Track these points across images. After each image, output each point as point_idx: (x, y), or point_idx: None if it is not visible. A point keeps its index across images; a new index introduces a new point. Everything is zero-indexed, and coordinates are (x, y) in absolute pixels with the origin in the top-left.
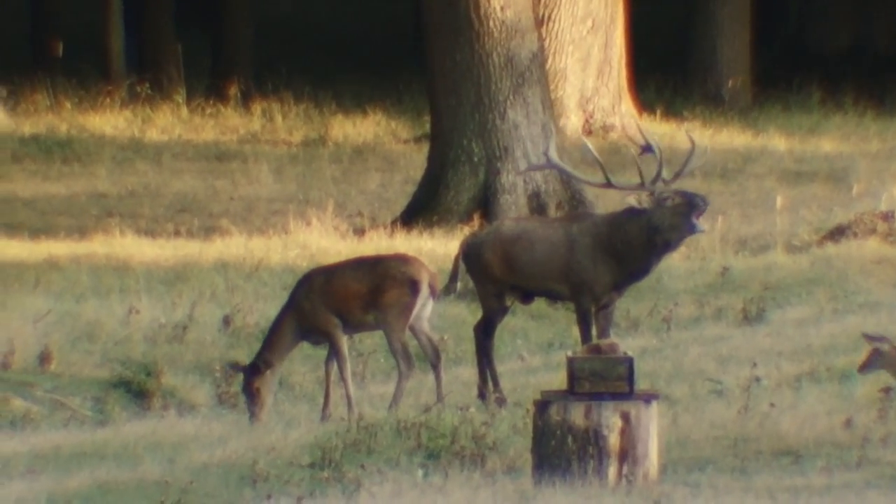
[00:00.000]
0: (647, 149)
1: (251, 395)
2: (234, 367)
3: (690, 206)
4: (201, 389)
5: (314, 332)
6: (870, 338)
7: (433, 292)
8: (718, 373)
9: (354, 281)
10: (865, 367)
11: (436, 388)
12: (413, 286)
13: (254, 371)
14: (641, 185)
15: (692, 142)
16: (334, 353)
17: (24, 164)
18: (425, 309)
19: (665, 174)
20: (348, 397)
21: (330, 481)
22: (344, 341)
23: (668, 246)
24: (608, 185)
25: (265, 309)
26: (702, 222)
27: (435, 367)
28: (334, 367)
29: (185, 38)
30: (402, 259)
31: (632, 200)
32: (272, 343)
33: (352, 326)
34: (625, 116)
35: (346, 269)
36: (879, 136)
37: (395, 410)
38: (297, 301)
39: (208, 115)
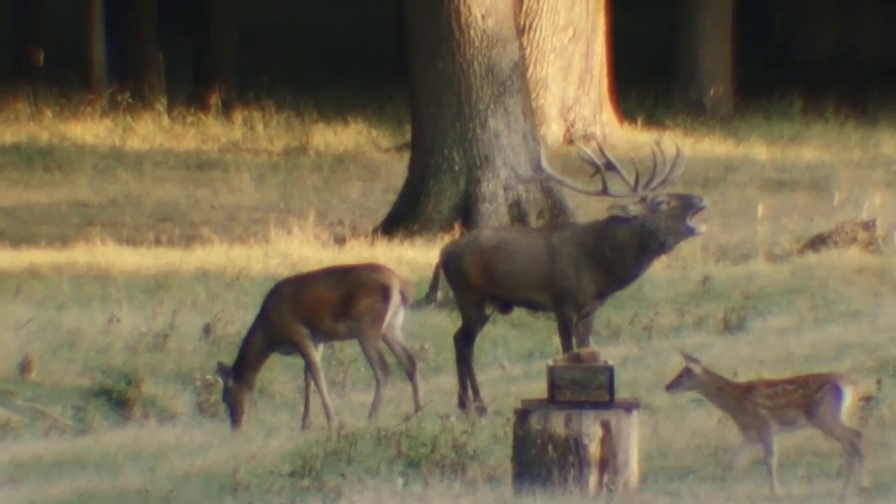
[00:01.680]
0: (609, 167)
1: (230, 407)
2: (222, 369)
3: (687, 207)
4: (182, 398)
5: (284, 343)
6: (685, 357)
7: (405, 300)
8: None
9: (325, 290)
10: (674, 386)
11: (413, 397)
12: (384, 294)
13: (232, 380)
14: (634, 191)
15: (678, 149)
16: (306, 363)
17: (4, 172)
18: (397, 317)
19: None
20: (325, 406)
21: (310, 490)
22: (314, 351)
23: (663, 248)
24: (604, 192)
25: (246, 318)
26: (699, 225)
27: (411, 375)
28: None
29: (166, 47)
30: (372, 268)
31: (617, 211)
32: (245, 355)
33: (323, 336)
34: (606, 125)
35: (317, 278)
36: (861, 145)
37: (375, 419)
38: (267, 312)
39: (189, 124)
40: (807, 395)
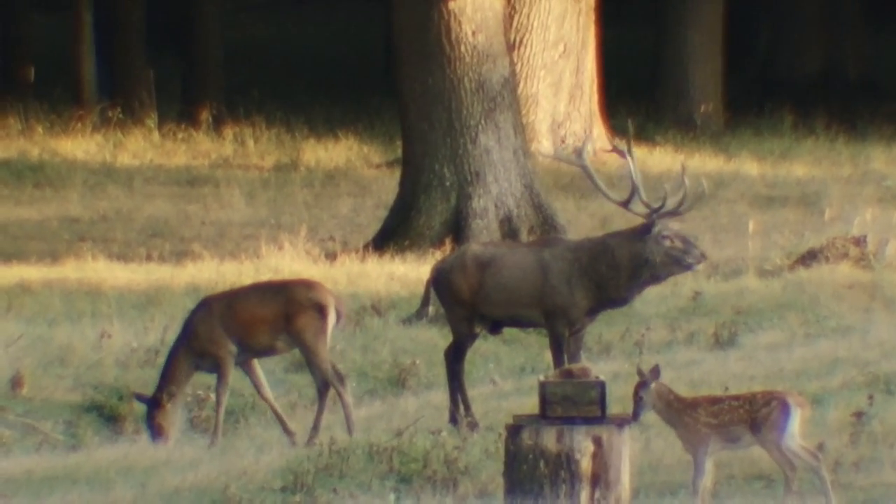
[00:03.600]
0: (619, 153)
1: (153, 429)
2: (139, 398)
3: (685, 255)
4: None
5: (207, 358)
6: (639, 372)
7: (339, 317)
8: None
9: (259, 307)
10: (637, 413)
11: (343, 412)
12: (321, 311)
13: (155, 405)
14: (651, 213)
15: (704, 185)
16: (219, 379)
17: None
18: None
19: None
20: (217, 423)
21: None
22: (232, 368)
23: (655, 279)
24: (624, 203)
25: None
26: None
27: (339, 391)
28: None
29: (156, 63)
30: (306, 284)
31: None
32: (170, 373)
33: (254, 351)
34: (597, 141)
35: (249, 294)
36: (851, 160)
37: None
38: (193, 327)
39: (180, 140)
40: (752, 412)
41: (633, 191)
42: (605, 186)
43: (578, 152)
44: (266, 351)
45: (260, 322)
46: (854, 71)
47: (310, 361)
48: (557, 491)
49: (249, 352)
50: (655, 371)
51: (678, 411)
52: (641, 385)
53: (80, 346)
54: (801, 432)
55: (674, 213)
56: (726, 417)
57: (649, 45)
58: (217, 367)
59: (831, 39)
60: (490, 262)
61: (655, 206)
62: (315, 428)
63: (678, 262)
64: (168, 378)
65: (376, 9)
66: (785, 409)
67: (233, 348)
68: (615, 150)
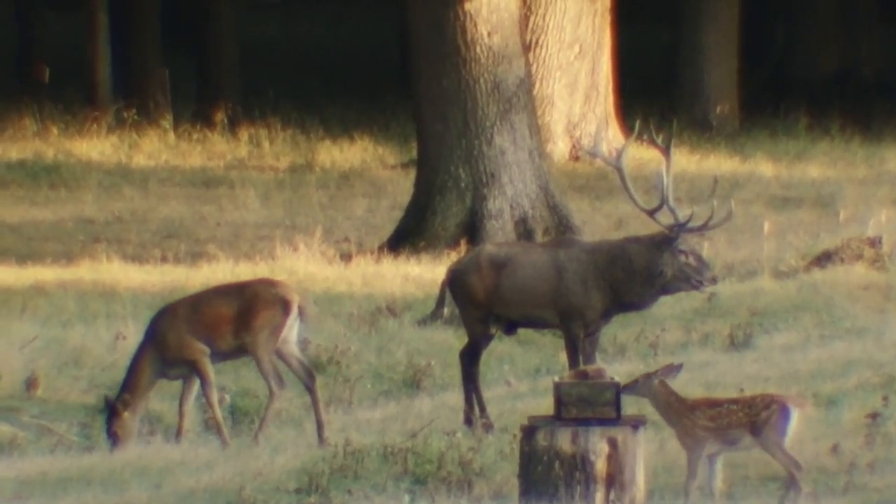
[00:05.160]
0: (661, 150)
1: (111, 437)
2: (109, 402)
3: (697, 274)
4: (187, 415)
5: (178, 364)
6: (667, 368)
7: (303, 314)
8: None
9: (224, 306)
10: (628, 388)
11: (314, 411)
12: (285, 306)
13: (113, 413)
14: (675, 227)
15: (732, 207)
16: (201, 379)
17: (10, 189)
18: (291, 332)
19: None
20: (218, 425)
21: None
22: (211, 367)
23: (666, 290)
24: (652, 211)
25: None
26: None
27: (310, 388)
28: (189, 405)
29: (171, 64)
30: (269, 282)
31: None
32: (132, 382)
33: (220, 355)
34: (612, 142)
35: (213, 295)
36: (866, 161)
37: (262, 433)
38: (160, 335)
39: (195, 141)
40: (752, 415)
41: (663, 202)
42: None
43: (618, 154)
44: (232, 353)
45: (224, 322)
46: (870, 70)
47: (255, 358)
48: (572, 492)
49: (217, 355)
50: (672, 368)
51: (677, 412)
52: (648, 375)
53: (94, 348)
54: (798, 433)
55: (698, 229)
56: (725, 421)
57: (665, 46)
58: (195, 371)
59: (847, 39)
60: (505, 262)
61: (682, 220)
62: (319, 424)
63: (688, 279)
64: (128, 387)
65: (392, 9)
66: (785, 412)
67: (205, 348)
68: (655, 145)
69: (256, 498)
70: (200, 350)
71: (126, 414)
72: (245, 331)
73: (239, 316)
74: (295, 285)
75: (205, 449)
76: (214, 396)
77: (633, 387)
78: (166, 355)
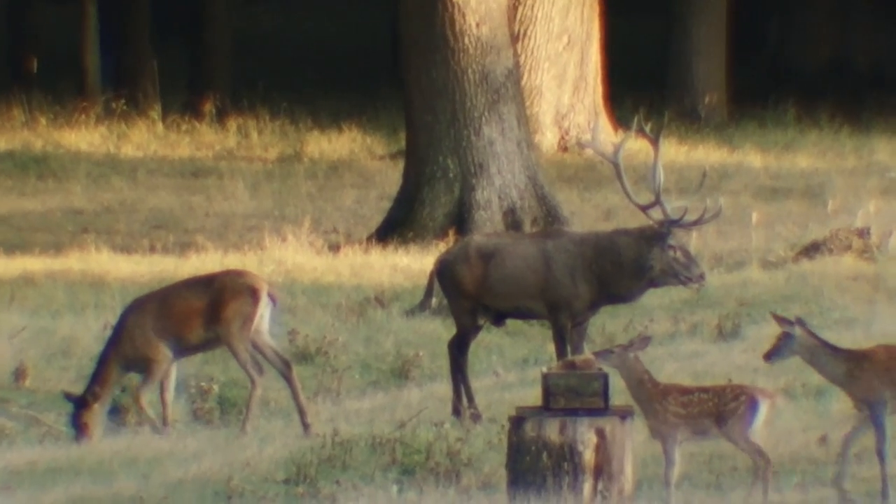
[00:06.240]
0: (651, 140)
1: (79, 428)
2: (68, 397)
3: (685, 270)
4: (176, 405)
5: (139, 361)
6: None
7: (273, 301)
8: None
9: (193, 299)
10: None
11: (293, 398)
12: (254, 295)
13: (82, 405)
14: (666, 223)
15: (720, 205)
16: (147, 377)
17: None
18: (263, 321)
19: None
20: (144, 419)
21: (305, 497)
22: (162, 372)
23: (653, 285)
24: (643, 207)
25: None
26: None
27: (287, 377)
28: (170, 386)
29: (160, 55)
30: (237, 273)
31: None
32: (101, 375)
33: (190, 348)
34: (601, 133)
35: (180, 289)
36: (855, 152)
37: (249, 422)
38: (127, 329)
39: (184, 132)
40: (720, 405)
41: (657, 198)
42: (623, 183)
43: (615, 149)
44: (201, 346)
45: (195, 315)
46: (862, 62)
47: (231, 349)
48: (560, 483)
49: (186, 350)
50: (645, 339)
51: (649, 395)
52: (625, 347)
53: (83, 338)
54: (767, 426)
55: (689, 225)
56: (695, 410)
57: (653, 37)
58: (146, 368)
59: (841, 30)
60: (493, 253)
61: (673, 216)
62: (301, 412)
63: (676, 275)
64: (98, 379)
65: (382, 1)
66: (753, 404)
67: (167, 353)
68: (646, 136)
69: (244, 488)
70: (163, 354)
71: (96, 406)
72: (216, 323)
73: (209, 308)
74: (283, 276)
75: (193, 439)
76: (146, 397)
77: (608, 356)
78: (130, 350)
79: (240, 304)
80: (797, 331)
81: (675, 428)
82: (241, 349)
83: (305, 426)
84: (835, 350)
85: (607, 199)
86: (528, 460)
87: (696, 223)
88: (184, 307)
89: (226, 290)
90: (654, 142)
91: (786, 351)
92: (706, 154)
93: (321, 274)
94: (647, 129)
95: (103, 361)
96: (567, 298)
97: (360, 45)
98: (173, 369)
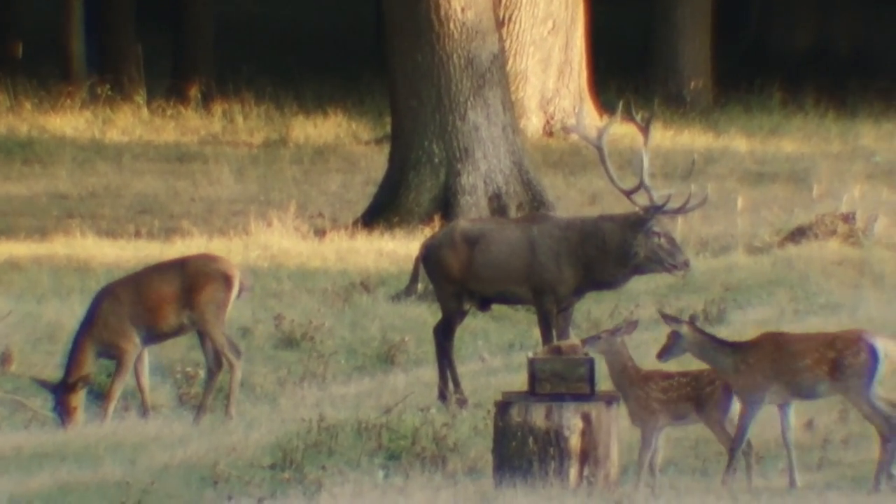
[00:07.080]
0: (640, 128)
1: (64, 413)
2: (42, 384)
3: (669, 257)
4: (162, 390)
5: (110, 347)
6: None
7: (242, 289)
8: None
9: (165, 284)
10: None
11: (230, 386)
12: (227, 281)
13: (68, 390)
14: (650, 209)
15: (707, 194)
16: (119, 368)
17: None
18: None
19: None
20: (107, 413)
21: (291, 482)
22: (133, 360)
23: (638, 271)
24: (629, 192)
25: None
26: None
27: (231, 364)
28: (144, 370)
29: (145, 39)
30: (209, 257)
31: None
32: (77, 361)
33: (163, 335)
34: (586, 117)
35: (152, 275)
36: (840, 137)
37: (233, 407)
38: (101, 315)
39: (169, 117)
40: (697, 389)
41: (641, 184)
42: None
43: (599, 133)
44: (173, 332)
45: (168, 301)
46: (846, 46)
47: (208, 335)
48: (546, 468)
49: (158, 336)
50: (632, 324)
51: (630, 381)
52: (612, 332)
53: (68, 323)
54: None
55: (673, 212)
56: (675, 394)
57: (638, 22)
58: (118, 358)
59: (823, 15)
60: (479, 238)
61: (658, 202)
62: (202, 408)
63: (661, 262)
64: (76, 365)
65: None
66: (728, 389)
67: (137, 342)
68: (634, 122)
69: (230, 473)
70: (134, 343)
71: (81, 391)
72: (189, 308)
73: (182, 293)
74: (269, 261)
75: (179, 424)
76: (120, 389)
77: (595, 341)
78: (102, 336)
79: (213, 290)
80: (684, 329)
81: (656, 414)
82: (216, 333)
83: (228, 414)
84: (721, 344)
85: (592, 183)
86: (514, 445)
87: (680, 210)
88: (156, 294)
89: (199, 275)
90: (644, 130)
91: (676, 349)
92: (691, 139)
93: (307, 259)
94: (637, 115)
95: (78, 348)
96: (552, 283)
97: (345, 30)
98: (145, 354)
